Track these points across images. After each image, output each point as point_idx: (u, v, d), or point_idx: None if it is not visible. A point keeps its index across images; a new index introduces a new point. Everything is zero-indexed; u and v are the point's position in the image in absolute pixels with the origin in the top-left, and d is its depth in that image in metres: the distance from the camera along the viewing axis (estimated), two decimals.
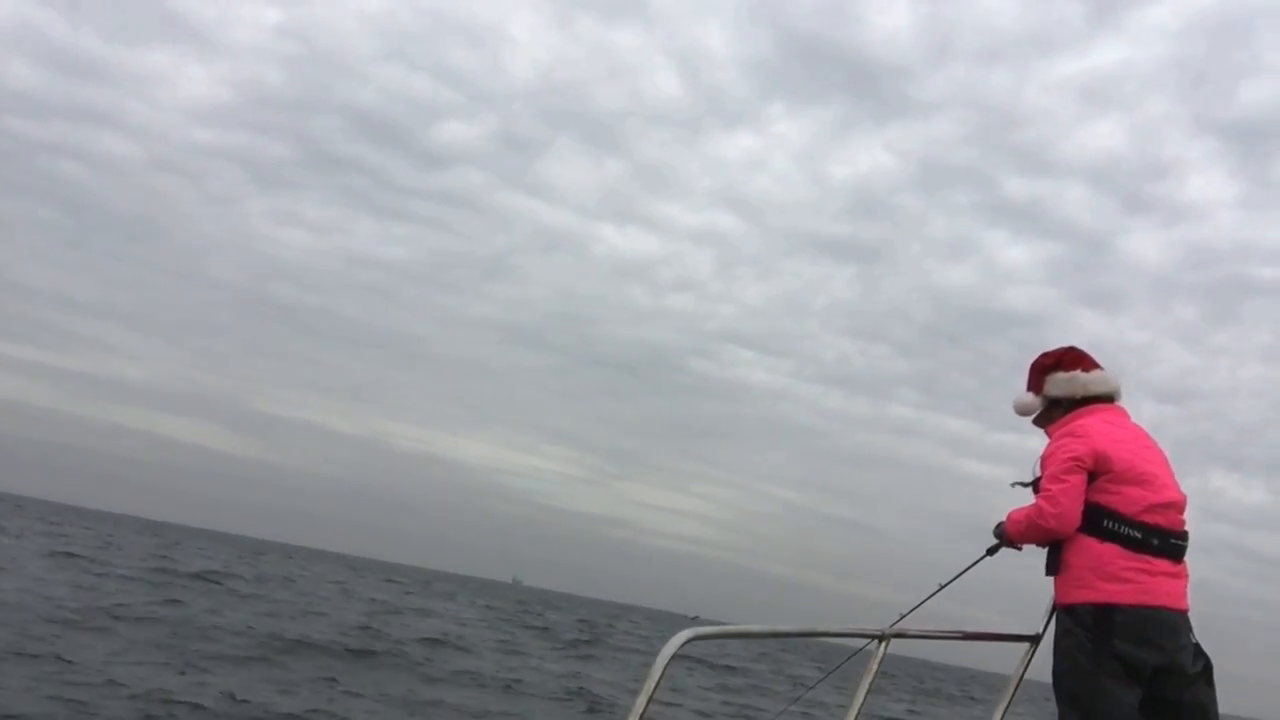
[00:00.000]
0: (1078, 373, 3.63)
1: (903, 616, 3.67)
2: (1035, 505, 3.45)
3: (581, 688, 16.18)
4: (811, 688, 4.27)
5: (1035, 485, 3.54)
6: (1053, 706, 3.41)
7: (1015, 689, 3.64)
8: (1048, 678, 3.47)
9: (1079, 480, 3.37)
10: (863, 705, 3.39)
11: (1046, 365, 3.72)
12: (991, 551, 3.70)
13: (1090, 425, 3.49)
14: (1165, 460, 3.53)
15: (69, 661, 10.90)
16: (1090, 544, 3.35)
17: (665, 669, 2.77)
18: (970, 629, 3.82)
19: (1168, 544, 3.34)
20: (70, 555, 26.02)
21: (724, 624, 3.34)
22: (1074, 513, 3.36)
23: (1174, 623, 3.31)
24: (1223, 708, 3.41)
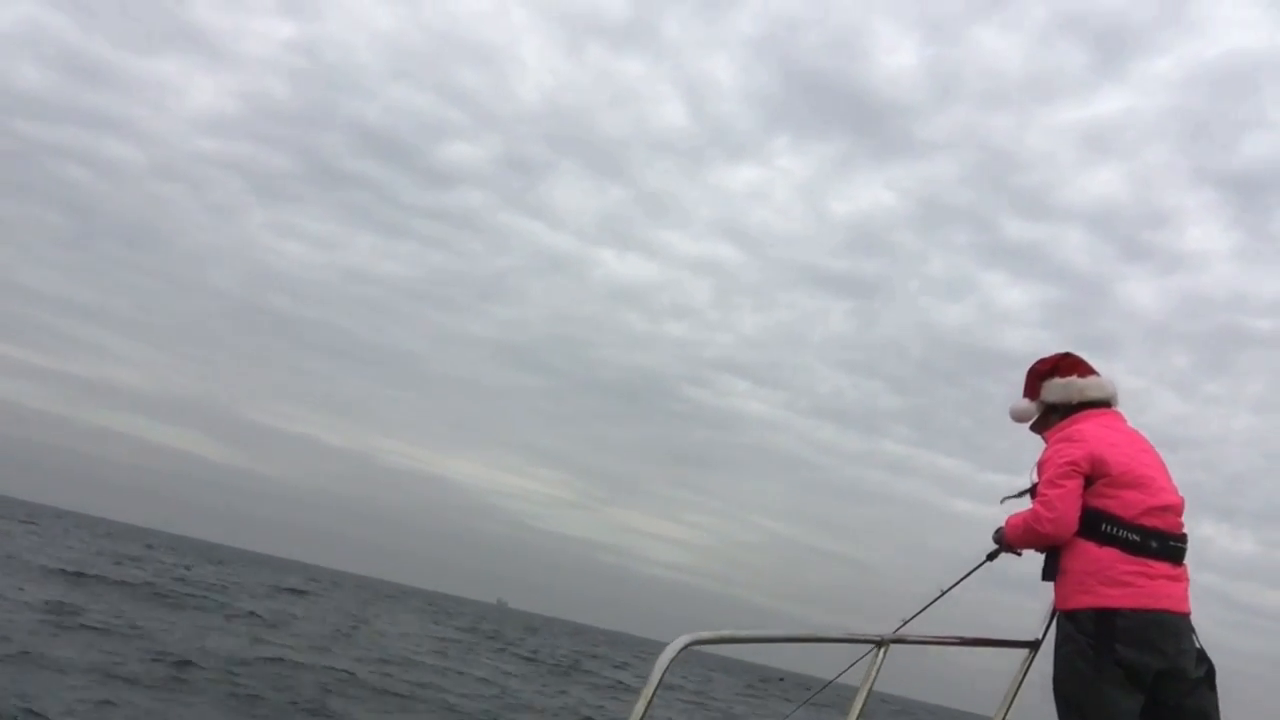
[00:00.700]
0: (1074, 378, 3.64)
1: (905, 622, 3.64)
2: (1032, 510, 3.43)
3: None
4: (817, 692, 4.19)
5: (1032, 491, 3.52)
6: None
7: (1014, 696, 3.60)
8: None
9: (1075, 485, 3.35)
10: (861, 712, 3.33)
11: (1043, 371, 3.72)
12: (991, 557, 3.67)
13: (1086, 430, 3.48)
14: (1162, 463, 3.52)
15: None
16: (1089, 548, 3.32)
17: (664, 674, 2.72)
18: (969, 635, 3.75)
19: (1167, 547, 3.31)
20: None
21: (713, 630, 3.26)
22: (1070, 518, 3.34)
23: (1176, 626, 3.27)
24: None
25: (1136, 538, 3.28)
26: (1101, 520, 3.32)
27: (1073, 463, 3.37)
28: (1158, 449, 3.57)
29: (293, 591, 38.85)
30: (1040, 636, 3.60)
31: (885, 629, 3.47)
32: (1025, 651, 3.63)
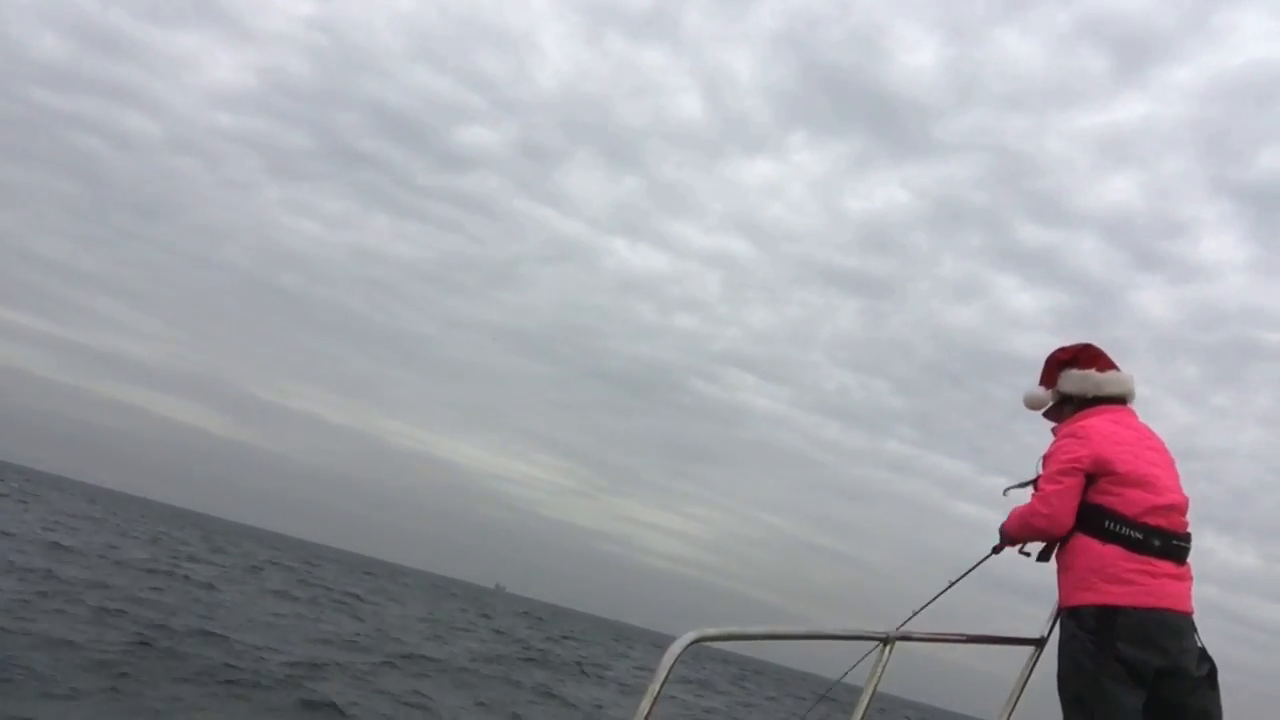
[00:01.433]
0: (1092, 371, 3.63)
1: (915, 614, 3.65)
2: (1029, 505, 3.47)
3: None
4: (824, 693, 4.22)
5: (1036, 483, 3.54)
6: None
7: (1019, 693, 3.61)
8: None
9: (1074, 483, 3.38)
10: (867, 709, 3.36)
11: (1062, 360, 3.71)
12: (996, 550, 3.68)
13: (1094, 427, 3.48)
14: (1171, 462, 3.52)
15: None
16: (1092, 545, 3.34)
17: (670, 670, 2.76)
18: (974, 632, 3.78)
19: (1170, 546, 3.32)
20: None
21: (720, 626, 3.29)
22: (1065, 515, 3.37)
23: (1177, 625, 3.28)
24: None
25: (1140, 536, 3.29)
26: (1105, 517, 3.34)
27: (1075, 460, 3.39)
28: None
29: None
30: (1045, 634, 3.62)
31: (888, 626, 3.50)
32: (1030, 649, 3.65)
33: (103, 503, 73.54)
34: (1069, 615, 3.39)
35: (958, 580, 3.78)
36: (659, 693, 2.76)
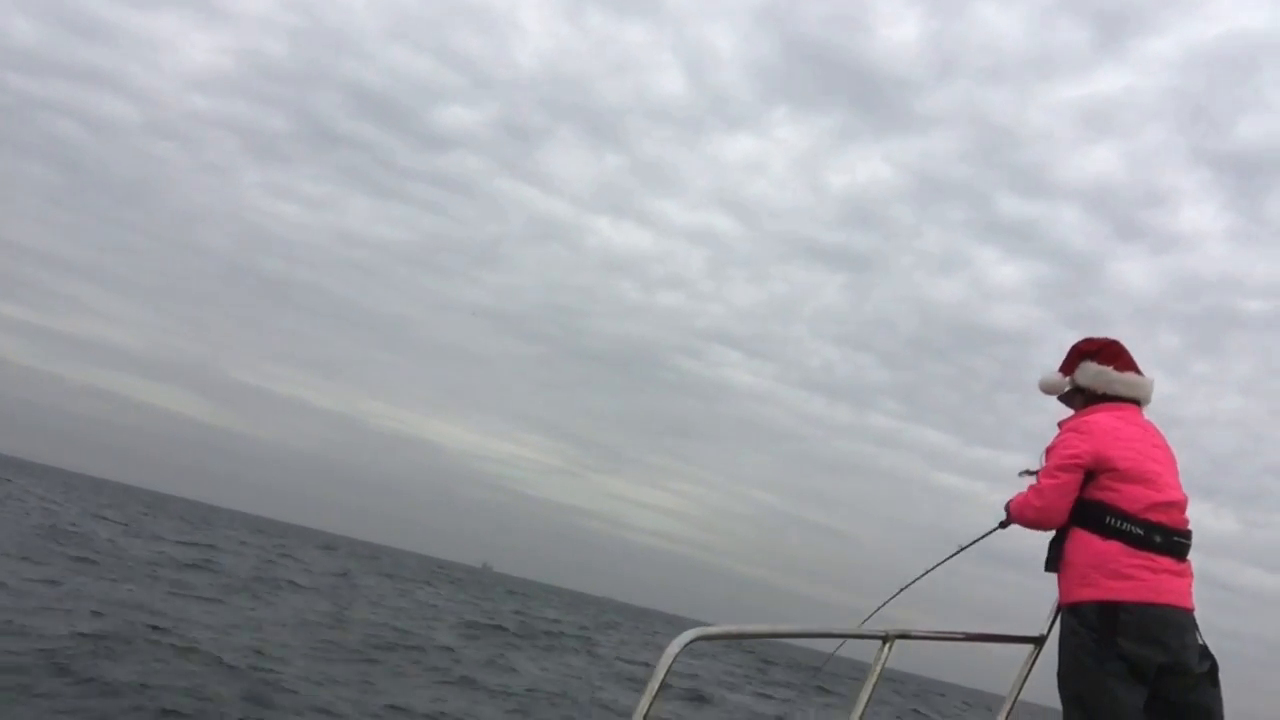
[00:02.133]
0: (1109, 369, 3.61)
1: (923, 574, 3.70)
2: (1025, 495, 3.49)
3: None
4: (817, 670, 4.23)
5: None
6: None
7: (1019, 691, 3.61)
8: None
9: (1071, 479, 3.39)
10: (866, 706, 3.36)
11: (1085, 351, 3.70)
12: (1003, 525, 3.68)
13: (1097, 423, 3.48)
14: (1172, 460, 3.52)
15: None
16: (1093, 541, 3.34)
17: (670, 667, 2.74)
18: (974, 630, 3.77)
19: (1170, 541, 3.32)
20: None
21: (719, 624, 3.29)
22: (1058, 510, 3.40)
23: (1179, 621, 3.28)
24: None
25: (1140, 531, 3.29)
26: (1105, 513, 3.34)
27: (1074, 456, 3.40)
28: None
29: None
30: (1045, 632, 3.61)
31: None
32: (1030, 647, 3.64)
33: (82, 489, 73.13)
34: (1069, 612, 3.38)
35: (967, 546, 3.76)
36: (658, 691, 2.74)
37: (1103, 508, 3.35)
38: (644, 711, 2.76)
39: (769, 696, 22.38)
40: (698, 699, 17.96)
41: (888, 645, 3.45)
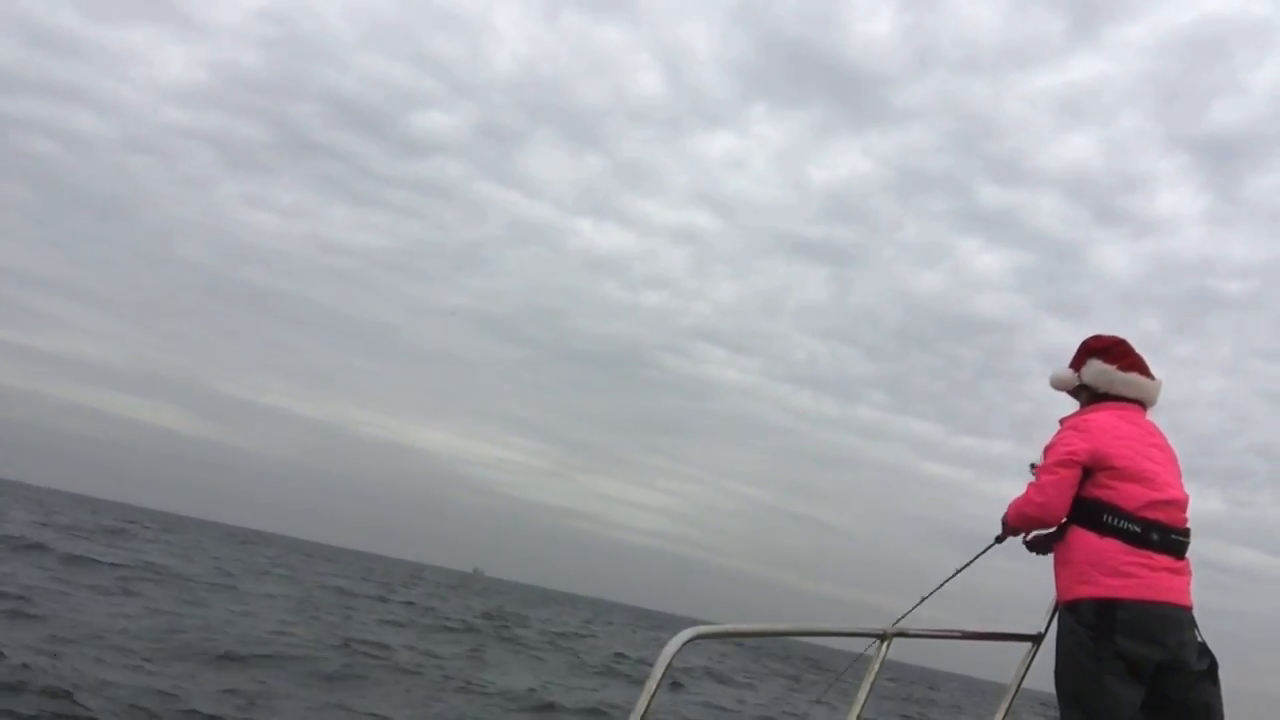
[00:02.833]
0: (1114, 368, 3.62)
1: (922, 600, 3.67)
2: (1025, 493, 3.50)
3: None
4: (828, 687, 4.23)
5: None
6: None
7: (1016, 689, 3.61)
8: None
9: (1069, 475, 3.40)
10: (864, 706, 3.35)
11: (1093, 349, 3.71)
12: (1000, 539, 3.68)
13: (1096, 421, 3.50)
14: (1172, 459, 3.53)
15: None
16: (1090, 539, 3.35)
17: (667, 668, 2.74)
18: (972, 629, 3.78)
19: (1168, 540, 3.32)
20: None
21: (716, 623, 3.29)
22: (1058, 506, 3.41)
23: (1177, 619, 3.28)
24: None
25: (1138, 529, 3.29)
26: (1103, 511, 3.34)
27: (1073, 453, 3.41)
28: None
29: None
30: (1043, 630, 3.61)
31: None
32: (1028, 646, 3.64)
33: (57, 504, 72.15)
34: (1067, 610, 3.38)
35: (961, 569, 3.76)
36: (656, 690, 2.73)
37: (1100, 505, 3.35)
38: (643, 710, 2.75)
39: (753, 687, 22.29)
40: (698, 699, 17.93)
41: (885, 644, 3.45)
